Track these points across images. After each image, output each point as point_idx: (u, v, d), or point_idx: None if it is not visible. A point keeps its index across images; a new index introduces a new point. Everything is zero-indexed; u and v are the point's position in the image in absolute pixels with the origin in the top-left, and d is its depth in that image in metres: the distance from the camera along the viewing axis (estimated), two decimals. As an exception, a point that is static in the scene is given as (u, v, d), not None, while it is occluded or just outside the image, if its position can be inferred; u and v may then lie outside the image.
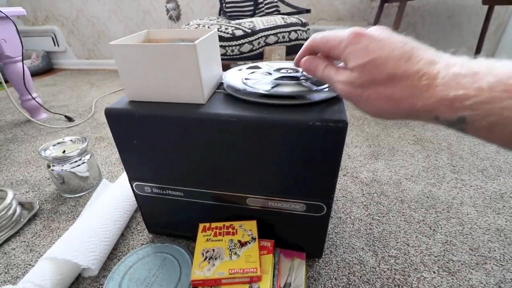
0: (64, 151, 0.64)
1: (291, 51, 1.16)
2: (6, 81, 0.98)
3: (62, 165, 0.62)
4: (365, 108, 0.26)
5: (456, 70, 0.20)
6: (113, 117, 0.39)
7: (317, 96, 0.35)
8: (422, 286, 0.44)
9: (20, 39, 0.97)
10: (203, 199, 0.44)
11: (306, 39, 1.17)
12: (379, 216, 0.58)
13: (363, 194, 0.64)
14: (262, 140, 0.36)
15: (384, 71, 0.23)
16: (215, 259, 0.36)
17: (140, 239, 0.53)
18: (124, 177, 0.63)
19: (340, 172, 0.72)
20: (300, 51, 0.32)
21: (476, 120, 0.19)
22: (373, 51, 0.23)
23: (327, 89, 0.36)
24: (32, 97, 1.05)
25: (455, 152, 0.82)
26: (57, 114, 1.13)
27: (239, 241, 0.39)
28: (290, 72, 0.40)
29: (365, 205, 0.61)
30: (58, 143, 0.66)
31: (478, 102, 0.18)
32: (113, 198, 0.56)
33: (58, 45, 1.88)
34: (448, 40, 1.58)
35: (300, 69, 0.39)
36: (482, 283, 0.45)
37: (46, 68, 1.85)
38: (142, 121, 0.38)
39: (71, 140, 0.67)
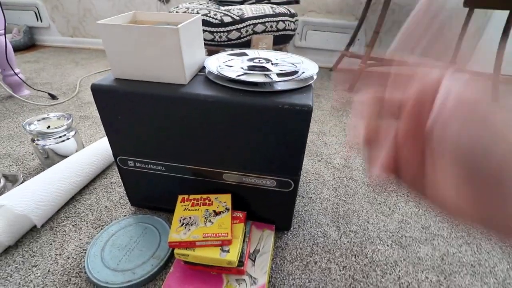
0: (48, 127, 0.66)
1: (278, 41, 1.19)
2: (-13, 55, 0.96)
3: (47, 140, 0.64)
4: None
5: None
6: (99, 93, 0.41)
7: (282, 86, 0.39)
8: (376, 256, 0.50)
9: (3, 11, 0.95)
10: (183, 173, 0.48)
11: (294, 30, 1.20)
12: (345, 197, 0.64)
13: (334, 178, 0.70)
14: (236, 121, 0.39)
15: None
16: (191, 225, 0.40)
17: (123, 211, 0.57)
18: (99, 141, 0.69)
19: (315, 158, 0.77)
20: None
21: None
22: None
23: (288, 80, 0.40)
24: (15, 72, 1.03)
25: (423, 144, 0.88)
26: (40, 91, 1.12)
27: (214, 211, 0.43)
28: (262, 62, 0.43)
29: (334, 187, 0.67)
30: (43, 118, 0.67)
31: None
32: (80, 153, 0.62)
33: (41, 20, 1.81)
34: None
35: (272, 59, 0.43)
36: (428, 255, 0.51)
37: (28, 44, 1.79)
38: (127, 98, 0.41)
39: (56, 116, 0.69)
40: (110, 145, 0.47)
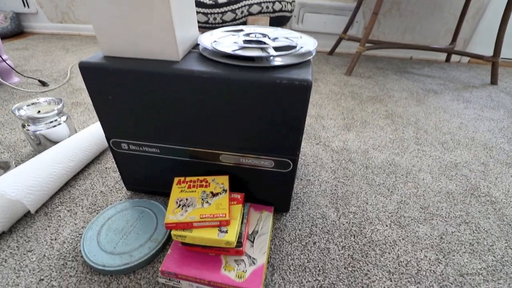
0: (39, 111, 0.64)
1: (274, 23, 1.15)
2: (-28, 40, 0.92)
3: (38, 125, 0.62)
4: None
5: None
6: (88, 71, 0.39)
7: (279, 61, 0.38)
8: (374, 236, 0.50)
9: (-15, -7, 0.91)
10: (179, 155, 0.47)
11: (290, 11, 1.17)
12: (344, 179, 0.63)
13: (333, 161, 0.69)
14: (233, 98, 0.38)
15: None
16: (188, 206, 0.40)
17: (119, 196, 0.56)
18: (92, 125, 0.68)
19: (313, 141, 0.76)
20: None
21: None
22: None
23: (286, 55, 0.38)
24: (3, 59, 1.00)
25: (421, 127, 0.88)
26: (30, 78, 1.08)
27: (211, 192, 0.42)
28: (259, 37, 0.41)
29: (333, 170, 0.66)
30: (33, 103, 0.65)
31: None
32: (72, 138, 0.61)
33: (28, 6, 1.75)
34: (430, 21, 1.61)
35: (269, 34, 0.41)
36: (427, 235, 0.51)
37: (16, 31, 1.73)
38: (117, 76, 0.39)
39: (46, 101, 0.67)
40: (102, 128, 0.46)
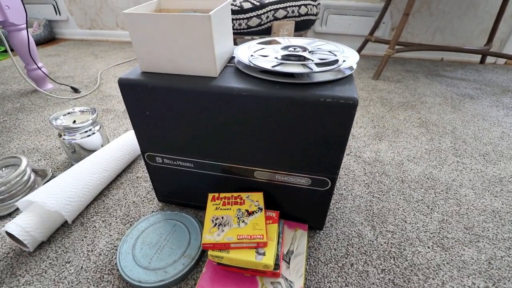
0: (74, 121, 0.66)
1: (299, 27, 1.13)
2: (12, 50, 0.97)
3: (73, 135, 0.64)
4: None
5: None
6: (126, 87, 0.39)
7: (321, 77, 0.36)
8: (416, 259, 0.47)
9: (24, 5, 0.95)
10: (213, 170, 0.46)
11: (316, 14, 1.14)
12: (379, 194, 0.60)
13: (365, 173, 0.66)
14: (272, 115, 0.36)
15: None
16: (224, 225, 0.39)
17: (151, 207, 0.56)
18: (124, 134, 0.69)
19: (343, 151, 0.74)
20: None
21: None
22: None
23: (329, 70, 0.36)
24: (38, 66, 1.04)
25: (459, 136, 0.82)
26: (63, 85, 1.13)
27: (247, 210, 0.41)
28: (298, 51, 0.40)
29: (366, 183, 0.63)
30: (68, 113, 0.67)
31: None
32: (106, 148, 0.62)
33: (59, 14, 1.83)
34: (463, 21, 1.52)
35: (308, 47, 0.39)
36: (473, 259, 0.47)
37: (48, 37, 1.82)
38: (155, 92, 0.39)
39: (81, 111, 0.68)
40: (138, 141, 0.46)
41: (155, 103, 0.40)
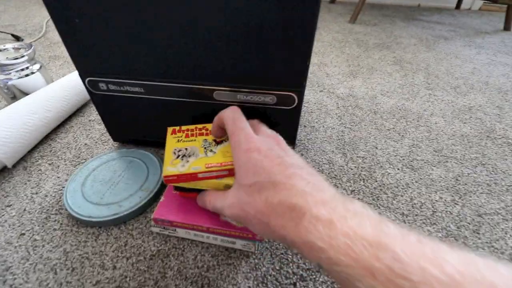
0: (7, 58, 0.56)
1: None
2: None
3: (8, 74, 0.55)
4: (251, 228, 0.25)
5: (320, 212, 0.19)
6: (44, -15, 0.32)
7: None
8: (385, 179, 0.46)
9: None
10: (165, 95, 0.41)
11: None
12: (351, 125, 0.58)
13: (338, 107, 0.63)
14: (228, 13, 0.31)
15: (262, 195, 0.22)
16: (189, 156, 0.34)
17: (105, 148, 0.51)
18: (70, 74, 0.61)
19: (316, 89, 0.70)
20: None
21: (330, 272, 0.18)
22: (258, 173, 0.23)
23: None
24: (-35, 10, 0.88)
25: (432, 72, 0.81)
26: (3, 33, 0.98)
27: (214, 140, 0.37)
28: None
29: (339, 116, 0.61)
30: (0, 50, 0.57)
31: (327, 258, 0.17)
32: (48, 87, 0.55)
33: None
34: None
35: None
36: (441, 177, 0.47)
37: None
38: (80, -11, 0.31)
39: (14, 48, 0.59)
40: (74, 63, 0.39)
41: (84, 4, 0.33)
